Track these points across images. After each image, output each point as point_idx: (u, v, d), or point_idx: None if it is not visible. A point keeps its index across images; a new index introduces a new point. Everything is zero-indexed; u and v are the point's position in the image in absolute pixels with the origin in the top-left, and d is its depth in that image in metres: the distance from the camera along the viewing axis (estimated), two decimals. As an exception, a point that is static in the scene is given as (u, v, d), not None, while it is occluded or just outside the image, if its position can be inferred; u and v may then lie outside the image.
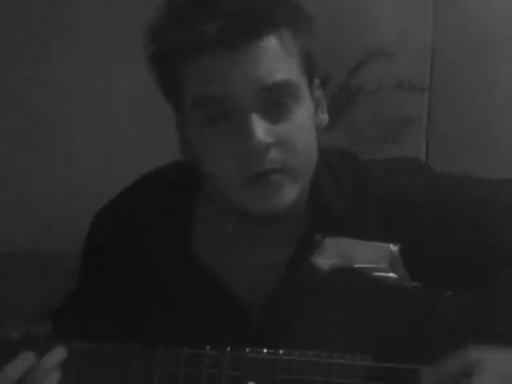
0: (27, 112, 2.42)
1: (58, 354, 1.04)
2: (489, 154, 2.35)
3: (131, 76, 2.31)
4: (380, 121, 2.43)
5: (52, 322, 1.18)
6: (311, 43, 1.07)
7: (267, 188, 1.03)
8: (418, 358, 1.00)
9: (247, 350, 1.01)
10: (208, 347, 1.02)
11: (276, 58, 1.02)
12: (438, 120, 2.45)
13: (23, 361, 1.02)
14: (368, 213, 1.10)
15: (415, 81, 2.32)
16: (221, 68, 1.01)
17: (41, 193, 2.40)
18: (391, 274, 1.03)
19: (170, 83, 1.07)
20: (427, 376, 0.98)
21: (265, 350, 1.01)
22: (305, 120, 1.05)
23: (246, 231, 1.11)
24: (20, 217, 2.40)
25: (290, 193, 1.04)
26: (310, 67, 1.08)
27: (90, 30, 2.38)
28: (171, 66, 1.05)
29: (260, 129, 1.00)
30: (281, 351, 1.01)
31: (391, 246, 1.05)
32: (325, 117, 1.12)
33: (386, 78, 2.27)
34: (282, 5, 1.04)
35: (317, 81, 1.11)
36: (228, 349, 1.01)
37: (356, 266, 1.03)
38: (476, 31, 2.33)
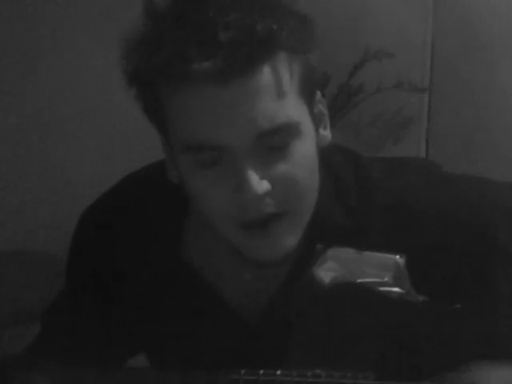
0: (27, 112, 2.42)
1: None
2: (489, 154, 2.35)
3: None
4: (380, 121, 2.43)
5: (42, 324, 1.17)
6: (313, 56, 0.97)
7: (265, 237, 0.95)
8: (424, 375, 0.96)
9: (242, 371, 0.95)
10: (199, 372, 0.96)
11: (273, 95, 0.92)
12: (438, 120, 2.45)
13: None
14: (372, 223, 1.04)
15: (415, 81, 2.32)
16: (210, 109, 0.91)
17: (41, 193, 2.40)
18: (396, 289, 0.97)
19: (155, 116, 0.99)
20: None
21: (261, 372, 0.95)
22: (306, 155, 0.96)
23: None
24: (20, 217, 2.40)
25: (291, 240, 0.97)
26: (310, 84, 0.98)
27: (90, 30, 2.38)
28: (155, 99, 0.96)
29: (255, 179, 0.92)
30: (278, 372, 0.95)
31: (397, 257, 0.98)
32: (326, 134, 1.02)
33: (385, 77, 2.27)
34: (283, 25, 0.93)
35: (318, 95, 1.01)
36: (221, 372, 0.95)
37: (359, 281, 0.97)
38: (476, 31, 2.33)
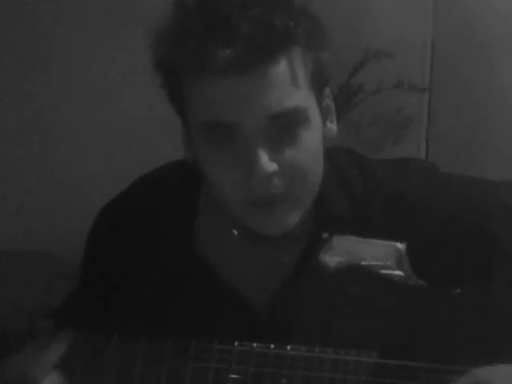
0: (27, 112, 2.42)
1: (58, 349, 1.04)
2: (489, 153, 2.35)
3: (131, 76, 2.31)
4: (380, 121, 2.43)
5: (54, 321, 1.18)
6: (324, 55, 1.05)
7: (270, 214, 1.03)
8: (424, 355, 1.01)
9: (255, 345, 1.02)
10: (216, 343, 1.03)
11: (286, 84, 1.00)
12: (438, 120, 2.45)
13: (25, 355, 1.02)
14: (375, 215, 1.10)
15: (415, 81, 2.32)
16: (228, 94, 0.99)
17: (41, 193, 2.40)
18: (397, 272, 1.04)
19: (176, 100, 1.06)
20: None
21: (272, 346, 1.02)
22: (313, 142, 1.04)
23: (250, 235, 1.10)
24: (20, 217, 2.40)
25: (293, 218, 1.05)
26: (320, 80, 1.06)
27: (90, 30, 2.38)
28: (178, 84, 1.04)
29: (265, 158, 0.99)
30: (288, 347, 1.02)
31: (398, 244, 1.05)
32: (333, 127, 1.10)
33: (385, 77, 2.27)
34: (298, 23, 1.01)
35: (327, 90, 1.09)
36: (235, 343, 1.03)
37: (363, 263, 1.04)
38: (476, 31, 2.33)
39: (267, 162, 0.99)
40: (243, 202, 1.03)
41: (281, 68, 0.99)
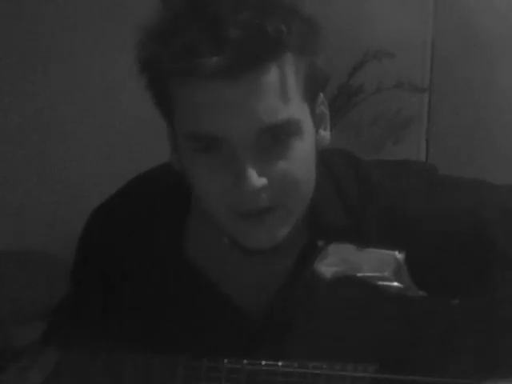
0: (27, 112, 2.42)
1: (43, 369, 1.02)
2: (489, 153, 2.35)
3: (131, 76, 2.32)
4: (380, 121, 2.43)
5: (49, 324, 1.18)
6: (318, 59, 0.99)
7: (259, 227, 0.98)
8: (423, 368, 0.97)
9: (245, 361, 0.98)
10: (205, 359, 0.99)
11: (277, 94, 0.94)
12: (438, 120, 2.45)
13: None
14: (371, 223, 1.06)
15: (415, 81, 2.32)
16: (216, 102, 0.94)
17: (41, 193, 2.40)
18: (395, 284, 1.00)
19: (162, 104, 1.01)
20: None
21: (263, 362, 0.98)
22: (305, 152, 0.99)
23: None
24: (20, 217, 2.40)
25: (284, 230, 1.00)
26: (315, 86, 1.00)
27: (90, 30, 2.38)
28: (164, 88, 0.99)
29: (253, 173, 0.94)
30: (280, 363, 0.98)
31: (396, 253, 1.01)
32: (326, 134, 1.05)
33: (386, 78, 2.27)
34: (291, 27, 0.95)
35: (321, 96, 1.04)
36: (225, 360, 0.98)
37: (359, 275, 0.99)
38: (476, 31, 2.33)
39: (256, 178, 0.94)
40: (231, 215, 0.98)
41: (272, 76, 0.94)
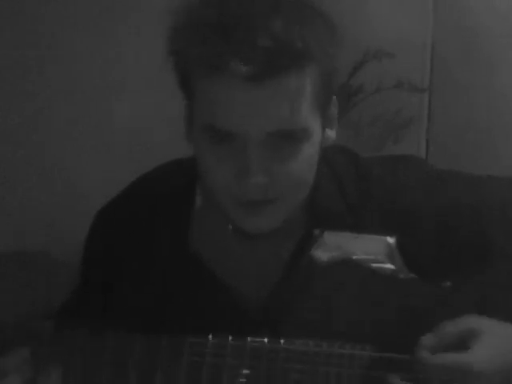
0: (27, 112, 2.42)
1: (18, 356, 1.03)
2: (488, 153, 2.35)
3: (131, 76, 2.32)
4: (380, 121, 2.43)
5: (56, 321, 1.18)
6: (335, 66, 1.05)
7: (258, 216, 1.04)
8: (416, 347, 1.01)
9: (248, 339, 1.03)
10: (210, 336, 1.03)
11: (294, 102, 0.99)
12: (438, 120, 2.45)
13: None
14: (368, 212, 1.11)
15: (415, 81, 2.32)
16: (236, 100, 0.98)
17: (41, 193, 2.40)
18: (389, 265, 1.06)
19: (185, 90, 1.06)
20: (425, 342, 1.00)
21: (266, 340, 1.03)
22: (311, 154, 1.04)
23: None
24: (20, 217, 2.40)
25: (280, 218, 1.06)
26: (329, 92, 1.06)
27: (90, 30, 2.38)
28: (188, 76, 1.03)
29: (259, 171, 1.00)
30: (282, 341, 1.03)
31: (388, 238, 1.07)
32: (332, 134, 1.10)
33: (385, 78, 2.27)
34: (319, 39, 1.01)
35: (334, 99, 1.09)
36: (230, 338, 1.03)
37: (354, 257, 1.05)
38: (476, 32, 2.33)
39: (260, 175, 1.00)
40: (233, 203, 1.04)
41: (293, 84, 0.99)
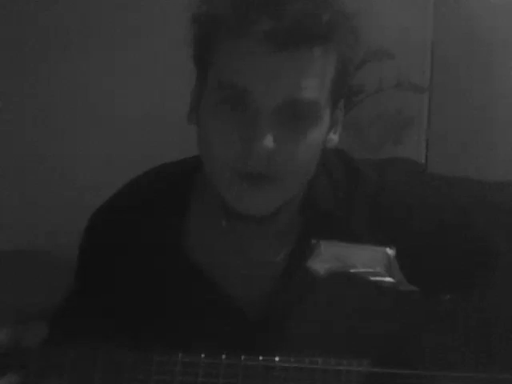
0: (27, 112, 2.42)
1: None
2: (489, 154, 2.36)
3: (131, 76, 2.32)
4: (380, 121, 2.43)
5: (51, 324, 1.18)
6: (351, 57, 1.07)
7: (253, 193, 1.03)
8: (415, 361, 1.00)
9: (242, 357, 1.00)
10: (203, 355, 1.00)
11: (313, 74, 1.01)
12: (438, 120, 2.46)
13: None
14: (362, 217, 1.11)
15: (415, 81, 2.32)
16: (258, 63, 1.00)
17: (41, 193, 2.40)
18: (387, 278, 1.03)
19: (202, 57, 1.06)
20: None
21: (260, 358, 1.00)
22: (316, 140, 1.04)
23: (239, 229, 1.11)
24: (20, 217, 2.40)
25: (276, 200, 1.05)
26: (342, 88, 1.08)
27: (91, 30, 2.38)
28: (209, 41, 1.04)
29: (269, 134, 1.00)
30: (277, 358, 1.00)
31: (387, 249, 1.05)
32: (335, 138, 1.11)
33: (386, 78, 2.27)
34: (342, 26, 1.04)
35: (341, 102, 1.11)
36: (223, 356, 1.00)
37: (352, 270, 1.03)
38: (476, 31, 2.34)
39: (270, 138, 1.00)
40: (232, 175, 1.03)
41: (315, 58, 1.01)
